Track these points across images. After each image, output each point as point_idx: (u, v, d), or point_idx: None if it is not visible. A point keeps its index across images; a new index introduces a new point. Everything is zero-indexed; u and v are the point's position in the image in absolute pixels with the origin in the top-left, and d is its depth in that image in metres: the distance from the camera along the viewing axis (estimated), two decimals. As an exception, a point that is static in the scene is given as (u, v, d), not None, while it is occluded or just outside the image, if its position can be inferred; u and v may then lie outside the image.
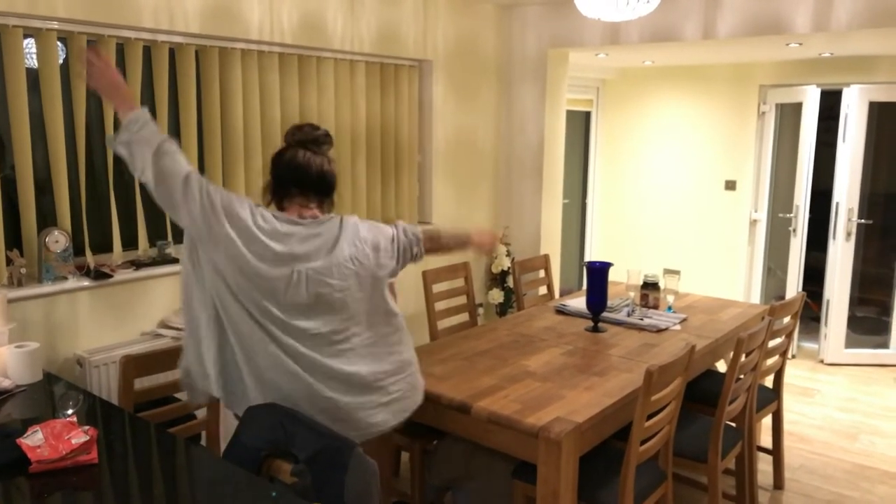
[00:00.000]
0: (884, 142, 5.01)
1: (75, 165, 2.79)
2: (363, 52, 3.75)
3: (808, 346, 5.30)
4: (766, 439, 3.65)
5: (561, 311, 3.37)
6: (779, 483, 3.26)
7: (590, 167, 6.27)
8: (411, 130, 4.16)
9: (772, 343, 2.95)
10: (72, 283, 2.70)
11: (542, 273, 4.04)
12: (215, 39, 3.13)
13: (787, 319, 3.11)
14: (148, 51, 2.95)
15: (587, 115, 6.18)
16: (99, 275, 2.76)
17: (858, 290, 5.07)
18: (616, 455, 2.46)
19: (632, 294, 3.51)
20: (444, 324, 3.46)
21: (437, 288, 3.47)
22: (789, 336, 3.14)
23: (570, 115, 5.71)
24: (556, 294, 4.75)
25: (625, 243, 6.27)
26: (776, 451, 3.25)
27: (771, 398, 3.16)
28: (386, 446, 2.70)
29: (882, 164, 5.04)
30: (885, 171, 5.04)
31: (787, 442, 3.76)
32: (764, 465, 3.45)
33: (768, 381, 3.24)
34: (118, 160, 2.93)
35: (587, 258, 6.36)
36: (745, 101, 5.50)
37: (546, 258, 4.02)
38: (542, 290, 4.22)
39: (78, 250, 2.82)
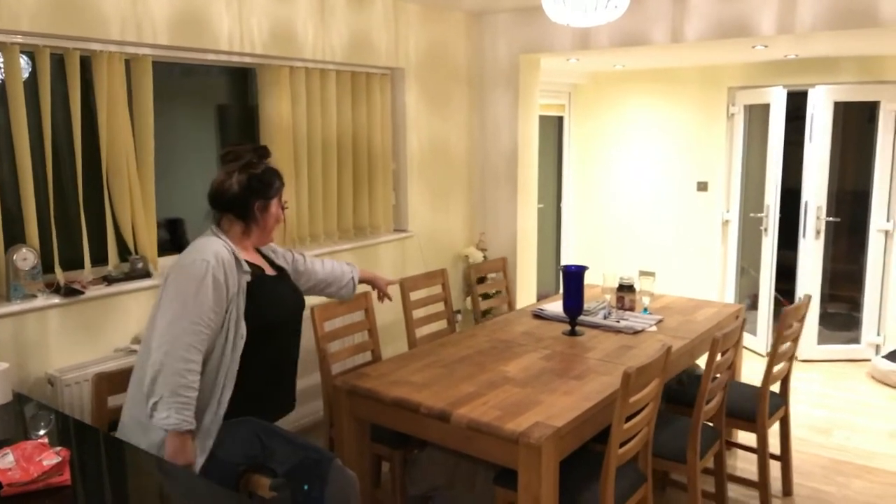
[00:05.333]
0: (849, 141, 5.11)
1: (43, 181, 2.75)
2: (335, 61, 3.74)
3: (782, 343, 5.37)
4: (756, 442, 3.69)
5: (538, 316, 3.38)
6: (788, 490, 3.20)
7: (564, 172, 6.31)
8: (385, 139, 4.15)
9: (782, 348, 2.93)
10: (41, 300, 2.65)
11: (501, 276, 4.04)
12: (184, 51, 3.10)
13: (794, 325, 3.03)
14: (128, 64, 2.91)
15: (560, 119, 6.22)
16: (69, 291, 2.72)
17: (829, 286, 5.16)
18: (596, 458, 2.46)
19: (608, 297, 3.54)
20: (422, 331, 3.45)
21: (415, 296, 3.46)
22: (796, 341, 3.10)
23: (543, 120, 5.75)
24: (526, 298, 4.77)
25: (600, 246, 6.31)
26: (785, 457, 3.20)
27: (779, 403, 3.14)
28: (366, 457, 2.68)
29: (848, 162, 5.14)
30: (850, 169, 5.14)
31: (764, 439, 3.80)
32: (751, 465, 3.48)
33: (775, 387, 3.17)
34: (87, 174, 2.89)
35: (563, 262, 6.39)
36: (715, 103, 5.57)
37: (503, 261, 4.03)
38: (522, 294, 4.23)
39: (47, 267, 2.76)
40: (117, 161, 2.91)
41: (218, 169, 2.22)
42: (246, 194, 2.13)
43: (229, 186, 2.12)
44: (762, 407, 2.95)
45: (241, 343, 2.08)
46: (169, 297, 2.00)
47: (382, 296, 2.86)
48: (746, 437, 3.68)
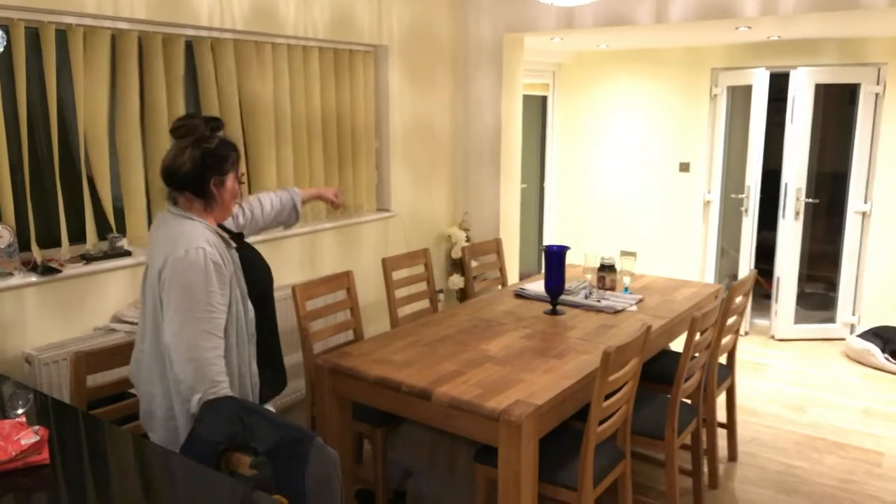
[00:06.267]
0: (829, 123, 5.16)
1: (19, 157, 2.70)
2: (317, 38, 3.69)
3: (760, 322, 5.45)
4: (719, 414, 3.75)
5: (520, 295, 3.40)
6: (732, 455, 3.37)
7: (547, 151, 6.31)
8: (368, 117, 4.12)
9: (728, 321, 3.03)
10: (18, 279, 2.61)
11: (495, 257, 4.05)
12: (162, 26, 3.04)
13: (739, 299, 3.19)
14: (113, 38, 2.85)
15: (544, 99, 6.21)
16: (47, 270, 2.68)
17: (807, 267, 5.23)
18: (575, 436, 2.50)
19: (589, 276, 3.56)
20: (404, 311, 3.46)
21: (397, 275, 3.46)
22: (741, 314, 3.22)
23: (527, 99, 5.73)
24: (509, 277, 4.78)
25: (583, 226, 6.34)
26: (730, 425, 3.36)
27: (725, 374, 3.24)
28: (347, 435, 2.70)
29: (828, 144, 5.19)
30: (830, 151, 5.19)
31: (740, 416, 3.87)
32: (718, 439, 3.54)
33: (722, 359, 3.32)
34: (63, 150, 2.84)
35: (545, 242, 6.42)
36: (698, 84, 5.59)
37: (498, 242, 4.03)
38: (498, 273, 4.23)
39: (24, 245, 2.73)
40: (96, 137, 2.86)
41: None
42: (201, 171, 2.02)
43: (182, 164, 2.02)
44: (711, 378, 3.04)
45: (252, 323, 2.11)
46: (175, 294, 1.95)
47: (337, 205, 2.74)
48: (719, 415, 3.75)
